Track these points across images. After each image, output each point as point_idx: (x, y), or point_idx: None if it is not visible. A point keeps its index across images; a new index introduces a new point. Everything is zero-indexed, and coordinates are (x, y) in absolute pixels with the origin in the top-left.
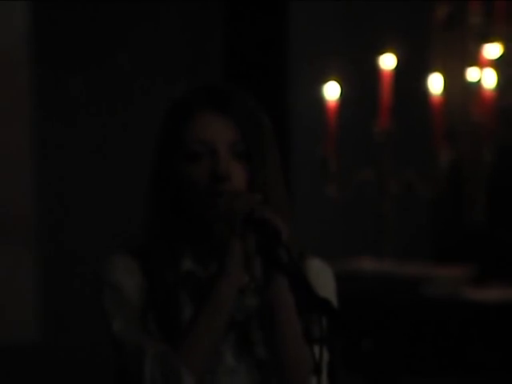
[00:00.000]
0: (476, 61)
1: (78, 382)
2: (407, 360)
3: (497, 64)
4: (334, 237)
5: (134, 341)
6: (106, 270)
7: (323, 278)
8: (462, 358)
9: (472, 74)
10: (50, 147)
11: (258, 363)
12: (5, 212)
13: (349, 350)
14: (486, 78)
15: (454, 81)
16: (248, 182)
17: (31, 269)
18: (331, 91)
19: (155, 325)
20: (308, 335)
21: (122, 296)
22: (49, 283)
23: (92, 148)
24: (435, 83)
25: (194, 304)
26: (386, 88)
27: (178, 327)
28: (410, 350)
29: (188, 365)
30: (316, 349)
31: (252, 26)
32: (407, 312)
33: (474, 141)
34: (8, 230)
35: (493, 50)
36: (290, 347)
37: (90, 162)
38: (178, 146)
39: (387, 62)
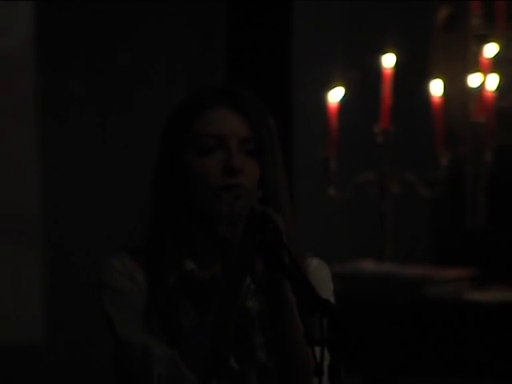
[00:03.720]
0: (477, 62)
1: (80, 382)
2: (407, 361)
3: (496, 64)
4: (335, 238)
5: (140, 343)
6: (106, 273)
7: (322, 278)
8: (463, 359)
9: (472, 75)
10: (54, 149)
11: (259, 366)
12: (9, 213)
13: (349, 351)
14: (487, 80)
15: (455, 82)
16: (258, 179)
17: (35, 270)
18: (333, 93)
19: (157, 326)
20: (309, 337)
21: (124, 299)
22: (52, 284)
23: (95, 149)
24: (436, 85)
25: (194, 305)
26: (387, 88)
27: (178, 328)
28: (411, 350)
29: (193, 368)
30: (317, 350)
31: (255, 28)
32: (408, 313)
33: (474, 142)
34: (12, 232)
35: (491, 50)
36: (294, 348)
37: (93, 164)
38: (188, 141)
39: (388, 61)
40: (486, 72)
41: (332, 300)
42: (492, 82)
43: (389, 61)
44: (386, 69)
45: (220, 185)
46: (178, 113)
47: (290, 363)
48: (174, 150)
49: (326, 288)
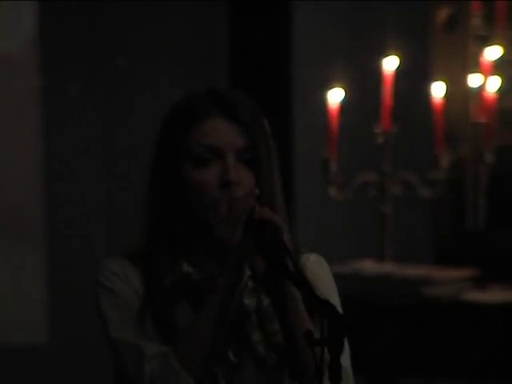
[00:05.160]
0: (477, 63)
1: (83, 383)
2: (407, 361)
3: (497, 66)
4: (335, 238)
5: (132, 343)
6: (102, 274)
7: (319, 274)
8: (463, 360)
9: (473, 76)
10: (56, 149)
11: (258, 361)
12: (11, 213)
13: (350, 351)
14: (487, 81)
15: (455, 83)
16: (255, 184)
17: (37, 270)
18: (334, 95)
19: (152, 327)
20: (309, 337)
21: (119, 301)
22: (55, 284)
23: (96, 150)
24: (436, 86)
25: (191, 306)
26: (388, 89)
27: (174, 329)
28: (411, 351)
29: (187, 366)
30: (318, 350)
31: (256, 29)
32: (408, 314)
33: (474, 142)
34: (15, 232)
35: (493, 52)
36: (302, 346)
37: (94, 164)
38: (184, 151)
39: (389, 63)
40: (486, 73)
41: (334, 295)
42: (493, 83)
43: (389, 61)
44: (386, 69)
45: (217, 198)
46: (173, 122)
47: (300, 361)
48: (169, 159)
49: (323, 283)
